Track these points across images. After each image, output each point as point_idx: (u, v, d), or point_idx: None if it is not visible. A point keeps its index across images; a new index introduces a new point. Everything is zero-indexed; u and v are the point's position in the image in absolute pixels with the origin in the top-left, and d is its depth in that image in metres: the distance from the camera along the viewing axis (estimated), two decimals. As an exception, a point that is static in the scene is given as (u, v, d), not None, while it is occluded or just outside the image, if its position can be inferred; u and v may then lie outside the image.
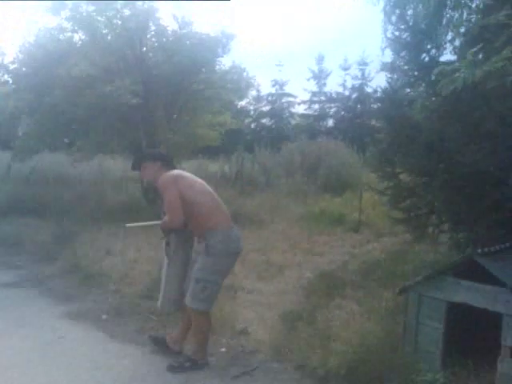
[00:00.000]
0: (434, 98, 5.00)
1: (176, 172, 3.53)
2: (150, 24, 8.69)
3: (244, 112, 25.65)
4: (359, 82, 27.05)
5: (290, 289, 5.35)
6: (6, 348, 3.73)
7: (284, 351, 3.66)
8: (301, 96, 29.13)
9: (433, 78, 3.92)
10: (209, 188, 3.60)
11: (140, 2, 8.58)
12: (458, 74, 3.00)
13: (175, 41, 8.73)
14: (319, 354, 3.44)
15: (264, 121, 29.59)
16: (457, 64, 3.17)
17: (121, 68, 7.97)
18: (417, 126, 4.70)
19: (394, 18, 5.28)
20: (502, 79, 2.94)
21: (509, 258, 3.10)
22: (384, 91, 5.98)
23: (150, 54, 8.91)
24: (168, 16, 10.03)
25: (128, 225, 4.17)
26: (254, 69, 28.95)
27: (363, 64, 27.02)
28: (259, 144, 15.87)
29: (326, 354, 3.39)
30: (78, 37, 9.08)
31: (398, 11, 5.18)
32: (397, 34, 5.25)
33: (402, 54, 5.18)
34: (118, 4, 8.45)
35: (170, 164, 3.65)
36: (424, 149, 4.56)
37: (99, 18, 8.30)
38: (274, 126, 28.35)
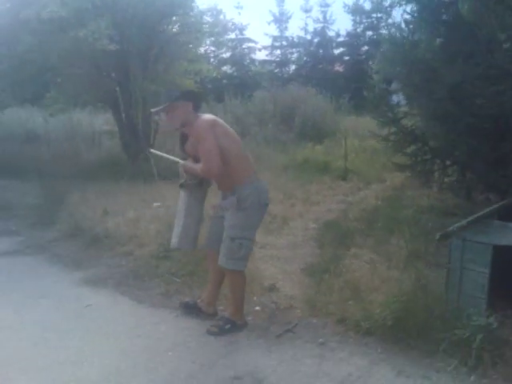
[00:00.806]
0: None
1: (212, 117, 3.25)
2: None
3: (205, 59, 24.89)
4: (321, 25, 26.58)
5: (300, 241, 5.36)
6: (34, 322, 3.58)
7: (319, 306, 3.67)
8: (261, 41, 28.46)
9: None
10: (239, 137, 3.40)
11: None
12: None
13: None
14: (358, 307, 3.48)
15: (224, 68, 28.80)
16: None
17: (94, 9, 7.33)
18: (436, 70, 4.58)
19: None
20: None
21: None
22: (392, 34, 5.72)
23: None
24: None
25: (152, 150, 4.06)
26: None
27: (325, 5, 26.54)
28: (228, 93, 15.52)
29: (366, 306, 3.43)
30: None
31: None
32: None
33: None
34: None
35: (200, 106, 3.37)
36: (446, 92, 4.44)
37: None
38: (235, 74, 27.68)
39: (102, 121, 12.61)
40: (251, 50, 28.88)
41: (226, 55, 28.72)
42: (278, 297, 3.89)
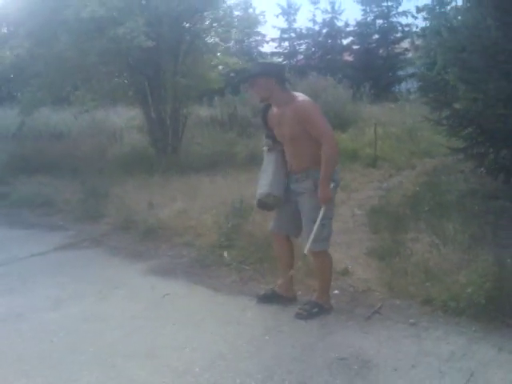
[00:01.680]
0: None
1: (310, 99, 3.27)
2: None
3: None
4: (329, 16, 26.42)
5: (351, 227, 5.34)
6: (118, 311, 3.60)
7: (397, 288, 3.66)
8: (270, 34, 28.33)
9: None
10: None
11: None
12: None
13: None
14: (440, 287, 3.47)
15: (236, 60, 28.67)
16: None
17: (133, 7, 7.32)
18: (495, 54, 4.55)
19: None
20: None
21: None
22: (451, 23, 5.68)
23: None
24: None
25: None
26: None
27: (333, -4, 26.31)
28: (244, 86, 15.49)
29: (450, 287, 3.42)
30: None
31: None
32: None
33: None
34: None
35: (284, 81, 3.33)
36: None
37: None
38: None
39: (126, 117, 12.61)
40: (259, 42, 28.78)
41: (234, 48, 28.63)
42: (353, 280, 3.89)
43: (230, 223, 4.80)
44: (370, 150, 9.16)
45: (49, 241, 5.41)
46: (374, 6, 23.53)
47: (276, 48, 28.26)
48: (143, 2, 7.67)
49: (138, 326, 3.32)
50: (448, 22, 5.57)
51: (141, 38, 7.18)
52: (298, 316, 3.33)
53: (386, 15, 23.54)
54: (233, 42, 27.75)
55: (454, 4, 15.81)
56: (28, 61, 8.04)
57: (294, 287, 3.66)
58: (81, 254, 5.02)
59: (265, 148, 3.50)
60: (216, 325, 3.29)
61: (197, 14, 8.70)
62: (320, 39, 27.01)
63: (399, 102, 15.09)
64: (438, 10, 17.82)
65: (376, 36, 23.92)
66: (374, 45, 23.90)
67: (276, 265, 3.89)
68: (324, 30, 26.77)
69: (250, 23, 9.65)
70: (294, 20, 27.66)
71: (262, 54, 28.93)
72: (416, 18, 24.30)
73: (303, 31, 27.43)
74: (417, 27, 22.01)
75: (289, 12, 27.53)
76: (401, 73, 22.91)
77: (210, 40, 9.63)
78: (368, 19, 24.00)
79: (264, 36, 26.75)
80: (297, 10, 27.83)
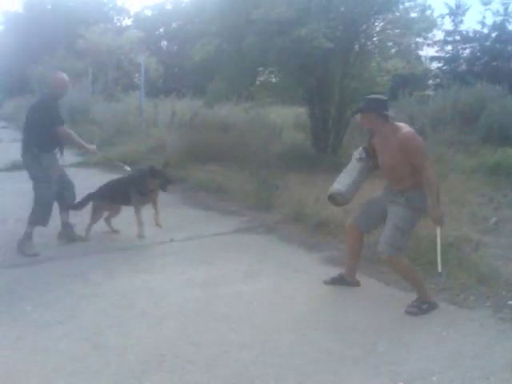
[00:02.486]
0: None
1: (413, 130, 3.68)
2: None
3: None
4: (500, 18, 24.62)
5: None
6: (298, 292, 4.04)
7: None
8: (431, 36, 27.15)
9: None
10: None
11: None
12: None
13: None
14: None
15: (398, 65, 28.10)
16: None
17: (315, 8, 7.71)
18: None
19: None
20: None
21: None
22: None
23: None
24: None
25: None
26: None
27: (508, -3, 24.49)
28: (402, 91, 15.29)
29: None
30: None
31: None
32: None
33: None
34: None
35: (384, 112, 3.67)
36: None
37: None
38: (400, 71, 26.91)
39: (283, 115, 13.23)
40: (419, 45, 27.85)
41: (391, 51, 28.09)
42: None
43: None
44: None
45: (226, 223, 6.08)
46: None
47: (437, 52, 27.13)
48: (324, 3, 7.98)
49: (322, 304, 3.81)
50: None
51: (320, 40, 7.56)
52: (410, 312, 3.60)
53: None
54: (391, 43, 27.37)
55: None
56: (215, 57, 8.88)
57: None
58: (257, 238, 5.60)
59: (357, 156, 3.94)
60: (392, 312, 3.65)
61: (373, 16, 8.86)
62: (487, 43, 25.39)
63: None
64: None
65: None
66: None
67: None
68: (493, 34, 25.09)
69: (427, 26, 9.51)
70: (461, 21, 26.27)
71: (419, 58, 28.03)
72: None
73: (470, 34, 25.96)
74: None
75: (456, 13, 26.25)
76: None
77: (381, 43, 9.69)
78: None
79: (426, 38, 25.85)
80: (465, 10, 26.45)
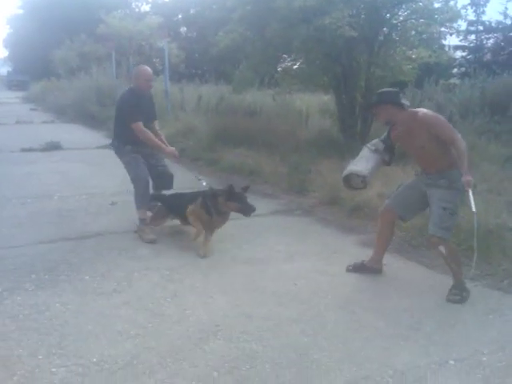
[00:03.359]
0: None
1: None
2: None
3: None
4: (524, 9, 24.31)
5: None
6: (339, 271, 4.17)
7: None
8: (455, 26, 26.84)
9: None
10: None
11: None
12: None
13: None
14: None
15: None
16: None
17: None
18: None
19: None
20: None
21: None
22: None
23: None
24: None
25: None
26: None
27: (530, -12, 24.19)
28: (428, 80, 15.21)
29: None
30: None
31: None
32: None
33: None
34: None
35: (399, 103, 3.76)
36: None
37: None
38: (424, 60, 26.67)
39: (308, 102, 13.25)
40: (442, 34, 27.56)
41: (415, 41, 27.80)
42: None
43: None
44: None
45: (264, 206, 6.16)
46: None
47: (461, 41, 26.81)
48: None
49: (364, 285, 3.91)
50: None
51: (344, 29, 7.56)
52: (452, 300, 3.64)
53: None
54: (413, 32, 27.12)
55: None
56: (240, 44, 8.94)
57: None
58: (295, 220, 5.72)
59: (371, 148, 3.97)
60: (434, 295, 3.75)
61: (397, 5, 8.82)
62: (511, 34, 25.05)
63: None
64: None
65: None
66: None
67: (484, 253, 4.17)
68: (516, 24, 24.74)
69: (451, 16, 9.45)
70: (483, 12, 25.95)
71: (442, 47, 27.73)
72: None
73: (492, 24, 25.64)
74: None
75: (478, 3, 25.91)
76: None
77: (406, 32, 9.65)
78: None
79: (450, 28, 25.57)
80: (487, 1, 26.08)
